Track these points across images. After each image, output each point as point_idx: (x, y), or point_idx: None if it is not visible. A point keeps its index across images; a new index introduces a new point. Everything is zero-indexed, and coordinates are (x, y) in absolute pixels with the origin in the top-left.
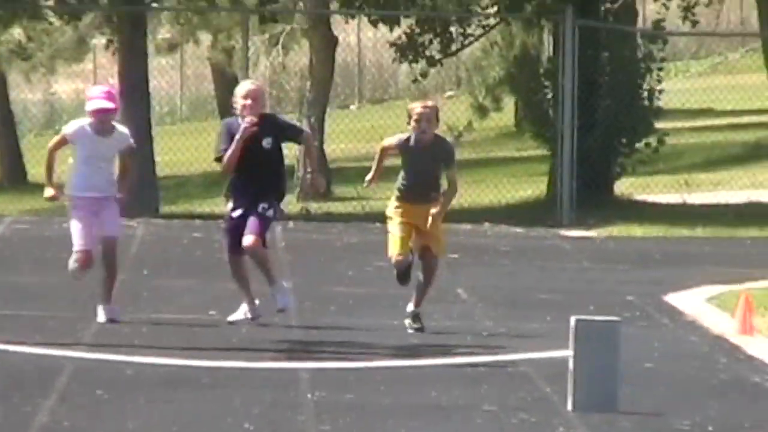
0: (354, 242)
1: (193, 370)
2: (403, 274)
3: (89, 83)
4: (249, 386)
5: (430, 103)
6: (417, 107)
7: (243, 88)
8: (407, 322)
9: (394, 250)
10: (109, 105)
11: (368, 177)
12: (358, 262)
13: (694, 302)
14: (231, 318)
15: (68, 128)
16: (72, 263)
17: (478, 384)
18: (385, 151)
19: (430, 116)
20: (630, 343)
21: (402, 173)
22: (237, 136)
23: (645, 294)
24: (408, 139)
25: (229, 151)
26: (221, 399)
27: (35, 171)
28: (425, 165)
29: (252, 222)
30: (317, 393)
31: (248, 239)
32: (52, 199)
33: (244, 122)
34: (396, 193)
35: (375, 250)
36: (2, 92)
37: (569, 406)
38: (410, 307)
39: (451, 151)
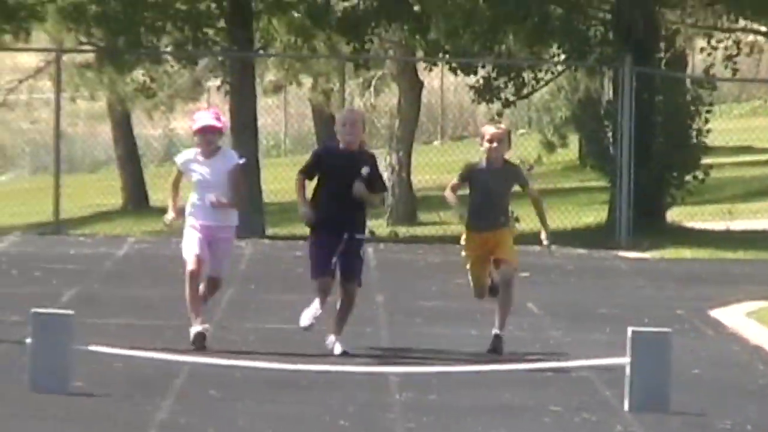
0: (437, 262)
1: (294, 373)
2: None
3: None
4: (344, 388)
5: (502, 125)
6: (490, 128)
7: (346, 113)
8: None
9: (473, 284)
10: (216, 123)
11: (454, 206)
12: (441, 280)
13: (735, 316)
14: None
15: (178, 158)
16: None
17: (546, 387)
18: (454, 190)
19: (502, 137)
20: (680, 352)
21: (470, 201)
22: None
23: (693, 309)
24: (477, 163)
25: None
26: (319, 399)
27: (156, 197)
28: (496, 186)
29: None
30: (405, 394)
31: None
32: (173, 220)
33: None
34: (466, 222)
35: (455, 269)
36: (127, 128)
37: (626, 407)
38: (494, 330)
39: (521, 171)
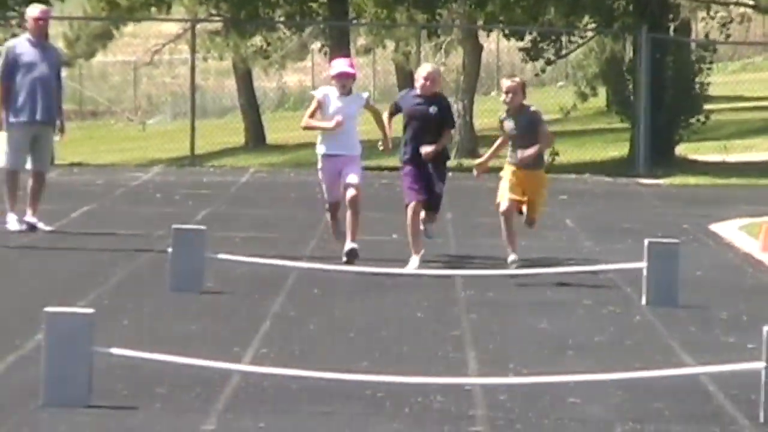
0: (493, 186)
1: (380, 277)
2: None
3: (308, 76)
4: (420, 288)
5: (516, 78)
6: (506, 82)
7: (424, 69)
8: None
9: (500, 197)
10: (351, 70)
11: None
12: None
13: (730, 230)
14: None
15: (317, 92)
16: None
17: (579, 286)
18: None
19: (516, 89)
20: (686, 258)
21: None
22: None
23: (696, 224)
24: (502, 115)
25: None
26: (401, 296)
27: (271, 137)
28: (518, 128)
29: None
30: (467, 292)
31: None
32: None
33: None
34: (508, 159)
35: None
36: (249, 81)
37: (643, 302)
38: (512, 257)
39: (535, 114)
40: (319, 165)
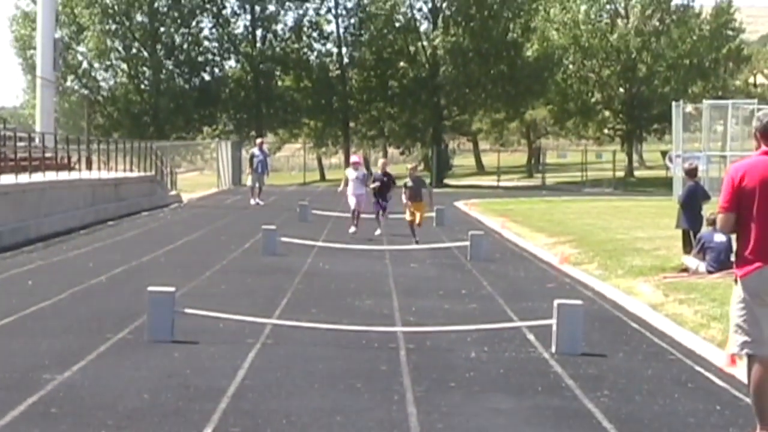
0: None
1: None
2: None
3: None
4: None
5: (414, 163)
6: (409, 165)
7: (380, 161)
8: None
9: (408, 218)
10: (358, 160)
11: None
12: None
13: (462, 205)
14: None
15: (346, 172)
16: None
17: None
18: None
19: (416, 169)
20: (449, 217)
21: (408, 191)
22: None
23: (452, 203)
24: (407, 178)
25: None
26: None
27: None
28: (414, 186)
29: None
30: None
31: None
32: (342, 191)
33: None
34: (407, 199)
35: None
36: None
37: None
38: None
39: (424, 180)
40: (349, 198)
